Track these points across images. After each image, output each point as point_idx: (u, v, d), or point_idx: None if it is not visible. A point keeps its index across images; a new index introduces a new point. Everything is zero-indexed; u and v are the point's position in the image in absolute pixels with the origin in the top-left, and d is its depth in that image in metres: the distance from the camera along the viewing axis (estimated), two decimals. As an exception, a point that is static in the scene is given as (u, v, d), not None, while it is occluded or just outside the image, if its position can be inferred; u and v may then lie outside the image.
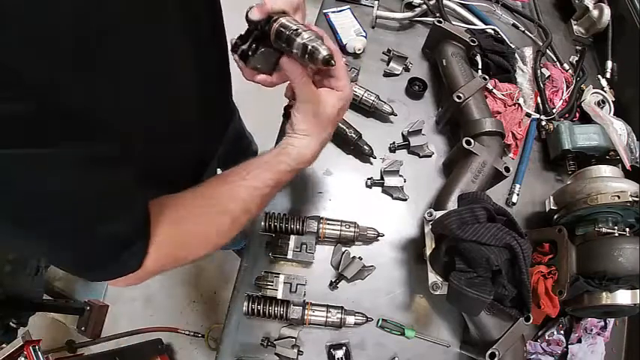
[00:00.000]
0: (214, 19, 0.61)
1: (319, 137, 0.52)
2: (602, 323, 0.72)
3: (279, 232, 0.69)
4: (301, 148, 0.52)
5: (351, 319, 0.65)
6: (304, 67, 0.50)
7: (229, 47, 0.55)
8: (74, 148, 0.34)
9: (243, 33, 0.53)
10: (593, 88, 0.94)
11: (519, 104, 0.86)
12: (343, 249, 0.71)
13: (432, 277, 0.60)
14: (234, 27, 0.66)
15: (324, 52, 0.44)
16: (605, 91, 0.95)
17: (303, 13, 0.53)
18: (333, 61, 0.46)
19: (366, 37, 0.90)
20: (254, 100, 1.17)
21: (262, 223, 0.68)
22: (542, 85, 0.91)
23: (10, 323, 1.15)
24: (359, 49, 0.88)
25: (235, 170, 0.51)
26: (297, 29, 0.46)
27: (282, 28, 0.47)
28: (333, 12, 0.93)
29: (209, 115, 0.67)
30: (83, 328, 1.51)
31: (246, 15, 0.51)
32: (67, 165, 0.34)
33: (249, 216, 0.51)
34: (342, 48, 0.88)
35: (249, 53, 0.52)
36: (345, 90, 0.52)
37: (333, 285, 0.69)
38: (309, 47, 0.44)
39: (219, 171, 0.98)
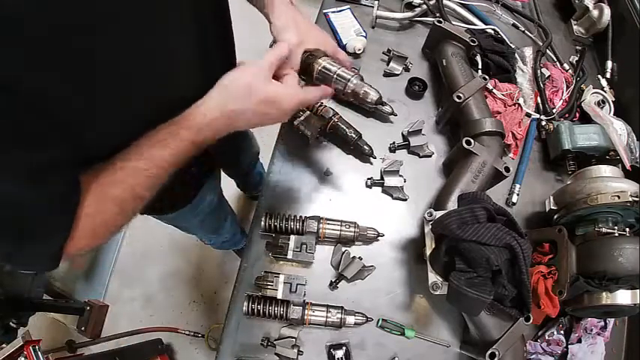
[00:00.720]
0: (221, 19, 0.61)
1: (240, 103, 0.48)
2: (602, 323, 0.72)
3: (279, 232, 0.69)
4: (209, 110, 0.47)
5: (351, 319, 0.65)
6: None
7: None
8: (26, 154, 0.34)
9: None
10: (593, 88, 0.94)
11: (519, 104, 0.86)
12: (343, 249, 0.71)
13: (432, 277, 0.60)
14: (235, 25, 0.66)
15: (375, 96, 0.55)
16: (605, 91, 0.95)
17: (299, 28, 0.57)
18: (383, 102, 0.58)
19: (366, 37, 0.90)
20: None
21: (262, 223, 0.68)
22: (542, 85, 0.91)
23: (10, 323, 1.15)
24: (359, 49, 0.88)
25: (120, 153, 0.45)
26: (341, 75, 0.56)
27: (325, 71, 0.56)
28: (333, 12, 0.93)
29: None
30: (83, 328, 1.51)
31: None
32: (16, 171, 0.34)
33: (142, 201, 0.47)
34: (342, 48, 0.88)
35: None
36: (303, 94, 0.53)
37: (333, 285, 0.69)
38: (362, 92, 0.56)
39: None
